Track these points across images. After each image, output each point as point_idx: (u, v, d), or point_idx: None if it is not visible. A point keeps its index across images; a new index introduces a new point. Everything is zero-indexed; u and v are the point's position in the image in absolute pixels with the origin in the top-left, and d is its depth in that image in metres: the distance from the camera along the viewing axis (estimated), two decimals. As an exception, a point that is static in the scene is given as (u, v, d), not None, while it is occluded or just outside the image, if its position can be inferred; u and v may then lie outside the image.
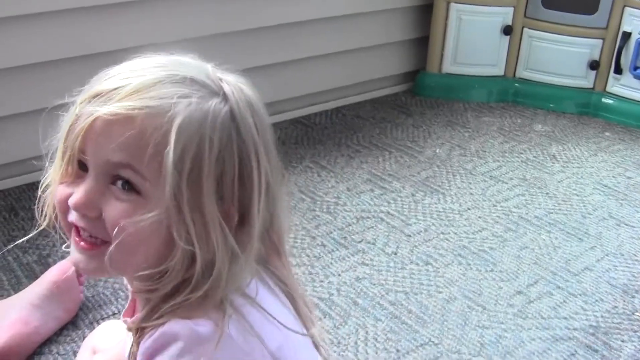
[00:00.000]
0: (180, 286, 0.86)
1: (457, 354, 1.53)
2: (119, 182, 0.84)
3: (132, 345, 0.93)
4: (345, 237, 1.91)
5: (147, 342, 0.88)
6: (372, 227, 1.96)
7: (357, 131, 2.53)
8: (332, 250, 1.86)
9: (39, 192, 0.93)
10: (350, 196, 2.11)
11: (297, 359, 0.97)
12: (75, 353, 1.50)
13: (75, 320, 1.59)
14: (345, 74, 2.74)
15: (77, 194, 0.85)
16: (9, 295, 1.61)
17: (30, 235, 0.99)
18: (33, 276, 1.70)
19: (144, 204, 0.83)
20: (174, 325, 0.86)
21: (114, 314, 1.60)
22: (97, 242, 0.86)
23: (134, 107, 0.82)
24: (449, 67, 2.88)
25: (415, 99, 2.87)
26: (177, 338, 0.85)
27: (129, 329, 0.93)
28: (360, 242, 1.90)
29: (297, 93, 2.62)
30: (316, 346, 1.04)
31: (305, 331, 0.99)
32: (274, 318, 0.92)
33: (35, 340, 1.50)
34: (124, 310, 1.02)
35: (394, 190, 2.16)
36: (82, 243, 0.87)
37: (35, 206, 0.94)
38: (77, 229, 0.87)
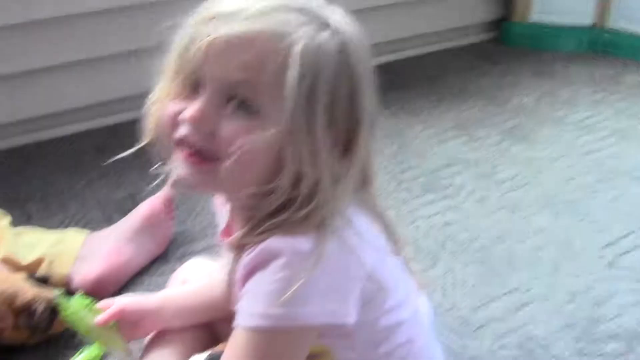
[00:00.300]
0: (284, 205, 0.88)
1: (547, 302, 1.50)
2: (235, 101, 0.86)
3: (231, 262, 0.94)
4: (432, 182, 1.89)
5: (248, 257, 0.89)
6: (459, 173, 1.94)
7: (442, 78, 2.49)
8: (419, 195, 1.84)
9: (145, 109, 0.95)
10: (436, 142, 2.08)
11: (391, 279, 0.98)
12: (165, 286, 1.52)
13: (166, 255, 1.62)
14: (429, 21, 2.69)
15: (193, 108, 0.88)
16: (101, 229, 1.64)
17: (130, 151, 1.01)
18: (123, 211, 1.72)
19: (259, 123, 0.86)
20: (276, 242, 0.87)
21: (202, 249, 1.62)
22: (205, 158, 0.88)
23: (256, 30, 0.85)
24: (536, 16, 2.80)
25: (501, 48, 2.80)
26: (280, 254, 0.87)
27: (229, 246, 0.95)
28: (447, 187, 1.87)
29: (382, 39, 2.58)
30: (409, 272, 1.05)
31: (398, 254, 1.01)
32: (369, 239, 0.93)
33: (128, 271, 1.53)
34: (220, 231, 1.04)
35: (481, 137, 2.12)
36: (191, 158, 0.88)
37: (140, 123, 0.96)
38: (186, 144, 0.88)
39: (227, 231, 1.02)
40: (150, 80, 0.96)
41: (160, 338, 1.24)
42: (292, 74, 0.84)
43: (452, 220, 1.75)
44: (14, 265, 1.46)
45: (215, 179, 0.88)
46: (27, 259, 1.48)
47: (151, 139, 0.96)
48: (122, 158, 1.92)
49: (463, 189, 1.87)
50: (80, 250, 1.52)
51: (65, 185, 1.88)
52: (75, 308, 1.20)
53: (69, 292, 1.46)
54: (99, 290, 1.48)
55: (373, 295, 0.94)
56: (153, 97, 0.95)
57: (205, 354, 1.12)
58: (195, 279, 1.29)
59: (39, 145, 2.05)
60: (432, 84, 2.45)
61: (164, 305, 1.23)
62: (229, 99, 0.87)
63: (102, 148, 2.02)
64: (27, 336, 1.35)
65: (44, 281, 1.39)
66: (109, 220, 1.71)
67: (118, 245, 1.53)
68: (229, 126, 0.86)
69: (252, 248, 0.89)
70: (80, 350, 1.36)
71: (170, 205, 1.61)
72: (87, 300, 1.22)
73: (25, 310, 1.33)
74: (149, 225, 1.57)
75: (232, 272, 0.94)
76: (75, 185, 1.87)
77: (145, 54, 0.90)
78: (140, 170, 1.85)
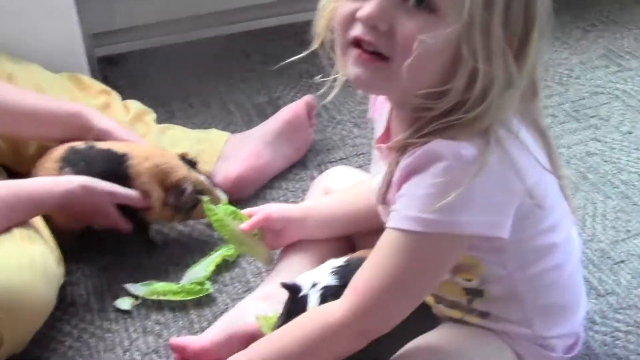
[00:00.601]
0: (453, 108, 0.87)
1: (690, 243, 1.45)
2: None
3: (389, 166, 0.94)
4: (577, 110, 1.82)
5: (408, 159, 0.89)
6: (607, 103, 1.86)
7: (595, 5, 2.37)
8: (563, 122, 1.78)
9: (319, 7, 0.95)
10: (584, 70, 1.99)
11: (549, 199, 0.96)
12: (303, 191, 1.55)
13: (304, 161, 1.64)
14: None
15: (369, 5, 0.86)
16: (241, 131, 1.67)
17: (300, 56, 1.01)
18: (263, 116, 1.75)
19: (438, 21, 0.84)
20: (438, 144, 0.87)
21: (340, 159, 1.63)
22: (379, 57, 0.88)
23: None
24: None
25: (660, -25, 2.64)
26: (441, 157, 0.86)
27: (390, 149, 0.94)
28: (593, 117, 1.80)
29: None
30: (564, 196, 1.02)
31: (555, 175, 0.98)
32: (532, 155, 0.92)
33: (265, 174, 1.57)
34: (376, 138, 1.03)
35: (632, 68, 2.01)
36: (364, 56, 0.88)
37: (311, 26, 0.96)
38: (360, 45, 0.88)
39: (385, 137, 1.01)
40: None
41: (297, 245, 1.26)
42: None
43: (595, 150, 1.68)
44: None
45: (389, 79, 0.87)
46: (171, 154, 1.53)
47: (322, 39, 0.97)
48: (265, 61, 1.95)
49: (609, 120, 1.79)
50: (223, 150, 1.55)
51: (208, 86, 1.92)
52: (222, 214, 1.23)
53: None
54: (238, 190, 1.52)
55: (530, 213, 0.93)
56: None
57: (343, 259, 1.13)
58: (339, 188, 1.30)
59: (185, 46, 2.08)
60: (583, 9, 2.34)
61: (307, 215, 1.25)
62: None
63: (246, 52, 2.04)
64: (170, 216, 1.39)
65: (192, 165, 1.42)
66: (249, 123, 1.75)
67: (258, 148, 1.56)
68: (408, 23, 0.85)
69: (413, 150, 0.89)
70: (217, 248, 1.41)
71: (312, 111, 1.62)
72: (233, 208, 1.25)
73: (175, 188, 1.35)
74: (290, 130, 1.59)
75: (389, 175, 0.94)
76: (218, 87, 1.91)
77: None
78: (282, 76, 1.90)
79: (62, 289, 1.33)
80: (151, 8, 2.04)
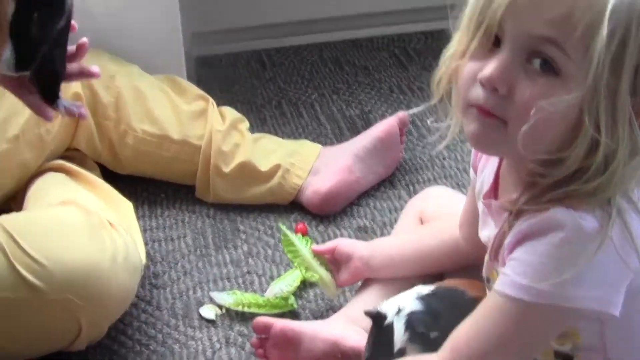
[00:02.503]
0: (572, 175, 0.83)
1: None
2: (537, 61, 0.81)
3: (503, 225, 0.91)
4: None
5: (524, 224, 0.86)
6: None
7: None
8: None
9: (440, 62, 0.92)
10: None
11: None
12: (390, 210, 1.54)
13: (392, 179, 1.62)
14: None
15: (490, 67, 0.83)
16: (331, 144, 1.67)
17: (420, 109, 0.99)
18: (354, 129, 1.75)
19: (562, 85, 0.80)
20: (558, 213, 0.83)
21: (429, 180, 1.61)
22: (498, 117, 0.84)
23: None
24: None
25: None
26: (561, 227, 0.82)
27: (505, 209, 0.92)
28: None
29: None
30: None
31: None
32: None
33: (355, 189, 1.56)
34: (482, 192, 1.01)
35: None
36: (482, 114, 0.84)
37: (432, 77, 0.93)
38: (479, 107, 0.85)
39: (493, 192, 0.98)
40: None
41: (373, 280, 1.27)
42: (603, 32, 0.77)
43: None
44: (251, 171, 1.55)
45: (505, 141, 0.84)
46: (264, 165, 1.55)
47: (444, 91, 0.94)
48: (356, 74, 1.94)
49: None
50: (315, 164, 1.55)
51: (299, 94, 1.92)
52: (295, 241, 1.32)
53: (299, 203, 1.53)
54: (327, 205, 1.53)
55: (639, 289, 0.88)
56: (449, 49, 0.91)
57: (430, 287, 1.11)
58: (435, 215, 1.29)
59: (278, 51, 2.09)
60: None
61: (374, 253, 1.25)
62: (532, 55, 0.82)
63: (339, 61, 2.04)
64: None
65: None
66: (339, 136, 1.75)
67: (350, 163, 1.55)
68: (528, 87, 0.81)
69: (529, 215, 0.86)
70: (286, 274, 1.41)
71: (404, 128, 1.61)
72: (307, 239, 1.35)
73: None
74: (382, 146, 1.57)
75: (500, 236, 0.92)
76: (311, 96, 1.91)
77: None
78: (373, 89, 1.90)
79: (150, 292, 1.36)
80: (246, 11, 2.05)
